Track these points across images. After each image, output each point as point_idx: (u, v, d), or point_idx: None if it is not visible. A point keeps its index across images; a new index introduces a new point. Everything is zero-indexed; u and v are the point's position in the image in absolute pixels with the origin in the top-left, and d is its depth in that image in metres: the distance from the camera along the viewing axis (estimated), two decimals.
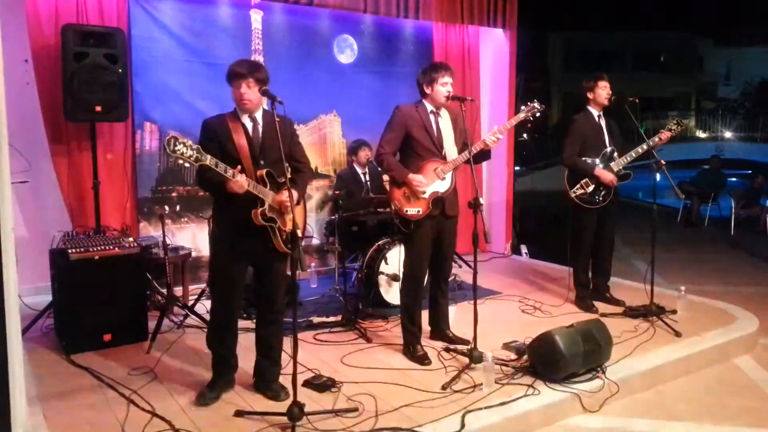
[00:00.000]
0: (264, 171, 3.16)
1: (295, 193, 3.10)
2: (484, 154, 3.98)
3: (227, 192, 3.05)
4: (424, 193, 3.83)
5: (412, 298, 3.98)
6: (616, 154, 4.82)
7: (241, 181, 3.01)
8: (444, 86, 3.85)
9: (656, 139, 4.71)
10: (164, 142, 2.83)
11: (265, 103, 3.25)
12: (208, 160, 2.92)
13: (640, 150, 4.76)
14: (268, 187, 3.17)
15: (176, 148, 2.80)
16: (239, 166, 3.05)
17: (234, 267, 3.27)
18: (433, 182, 3.85)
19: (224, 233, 3.30)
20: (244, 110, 3.22)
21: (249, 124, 3.23)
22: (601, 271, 5.12)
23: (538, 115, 4.03)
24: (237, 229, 3.19)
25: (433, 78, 3.86)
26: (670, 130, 4.78)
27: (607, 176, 4.75)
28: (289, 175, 3.16)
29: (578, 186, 4.79)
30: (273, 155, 3.18)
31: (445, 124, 3.95)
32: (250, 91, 3.14)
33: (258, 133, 3.23)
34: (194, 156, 2.87)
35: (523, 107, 4.05)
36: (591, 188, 4.77)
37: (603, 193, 4.80)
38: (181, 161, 2.90)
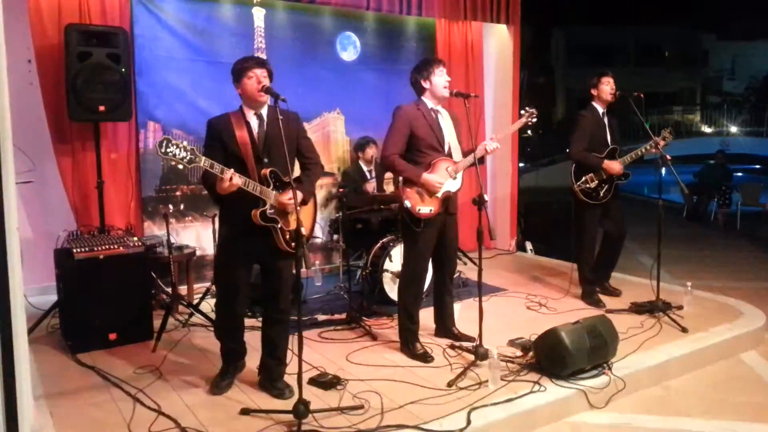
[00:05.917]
0: (267, 170, 3.10)
1: (300, 194, 3.05)
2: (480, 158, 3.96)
3: (222, 193, 2.96)
4: (438, 192, 3.82)
5: (413, 297, 3.95)
6: (617, 153, 4.91)
7: (229, 180, 2.88)
8: (441, 76, 3.81)
9: (652, 143, 4.73)
10: (156, 143, 2.70)
11: (269, 100, 3.22)
12: (203, 162, 2.83)
13: (639, 153, 4.85)
14: (271, 186, 3.11)
15: (168, 150, 2.71)
16: (232, 169, 2.95)
17: (236, 269, 3.23)
18: (446, 181, 3.85)
19: (227, 233, 3.26)
20: (259, 103, 3.14)
21: (254, 122, 3.18)
22: (605, 264, 5.16)
23: (534, 120, 4.04)
24: (239, 228, 3.15)
25: (428, 71, 3.82)
26: (664, 138, 4.81)
27: (615, 167, 4.82)
28: (296, 173, 3.09)
29: (583, 180, 4.85)
30: (277, 153, 3.11)
31: (445, 122, 3.93)
32: (266, 79, 3.10)
33: (262, 130, 3.17)
34: (187, 158, 2.76)
35: (522, 112, 4.10)
36: (595, 183, 4.84)
37: (605, 189, 4.86)
38: (173, 163, 2.74)
